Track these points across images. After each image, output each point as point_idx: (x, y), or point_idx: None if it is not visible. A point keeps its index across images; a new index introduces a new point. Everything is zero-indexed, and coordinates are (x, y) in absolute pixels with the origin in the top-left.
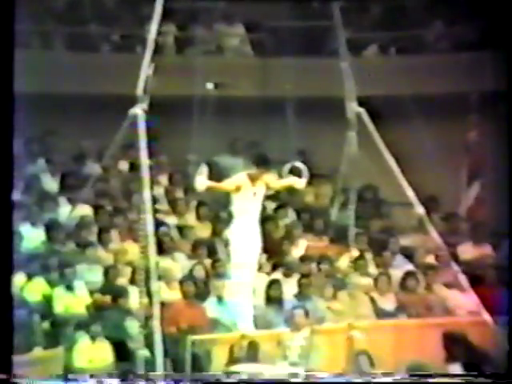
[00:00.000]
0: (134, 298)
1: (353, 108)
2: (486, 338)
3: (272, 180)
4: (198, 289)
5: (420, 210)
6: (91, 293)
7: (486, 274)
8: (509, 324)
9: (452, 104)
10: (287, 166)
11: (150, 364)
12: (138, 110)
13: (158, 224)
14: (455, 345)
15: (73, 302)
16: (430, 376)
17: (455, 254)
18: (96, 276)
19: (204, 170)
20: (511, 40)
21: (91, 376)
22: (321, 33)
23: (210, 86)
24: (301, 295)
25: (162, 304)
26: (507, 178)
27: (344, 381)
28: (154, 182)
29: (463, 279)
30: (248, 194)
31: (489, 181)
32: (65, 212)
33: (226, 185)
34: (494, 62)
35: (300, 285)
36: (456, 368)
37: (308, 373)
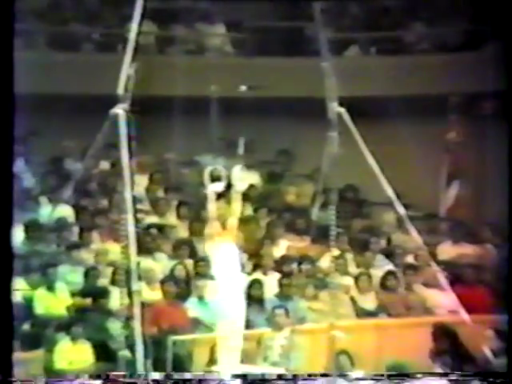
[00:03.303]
0: (115, 299)
1: (334, 108)
2: (464, 336)
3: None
4: (179, 289)
5: (400, 209)
6: (72, 294)
7: (466, 273)
8: (508, 324)
9: (432, 104)
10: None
11: (131, 365)
12: (119, 110)
13: (139, 224)
14: (444, 338)
15: (54, 303)
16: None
17: (435, 253)
18: (77, 277)
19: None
20: (492, 41)
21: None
22: (302, 33)
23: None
24: (282, 295)
25: (143, 304)
26: (487, 177)
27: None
28: (134, 182)
29: (443, 279)
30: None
31: (468, 180)
32: (45, 212)
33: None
34: (474, 63)
35: (281, 285)
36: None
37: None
